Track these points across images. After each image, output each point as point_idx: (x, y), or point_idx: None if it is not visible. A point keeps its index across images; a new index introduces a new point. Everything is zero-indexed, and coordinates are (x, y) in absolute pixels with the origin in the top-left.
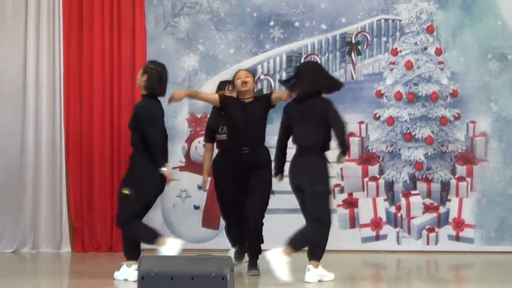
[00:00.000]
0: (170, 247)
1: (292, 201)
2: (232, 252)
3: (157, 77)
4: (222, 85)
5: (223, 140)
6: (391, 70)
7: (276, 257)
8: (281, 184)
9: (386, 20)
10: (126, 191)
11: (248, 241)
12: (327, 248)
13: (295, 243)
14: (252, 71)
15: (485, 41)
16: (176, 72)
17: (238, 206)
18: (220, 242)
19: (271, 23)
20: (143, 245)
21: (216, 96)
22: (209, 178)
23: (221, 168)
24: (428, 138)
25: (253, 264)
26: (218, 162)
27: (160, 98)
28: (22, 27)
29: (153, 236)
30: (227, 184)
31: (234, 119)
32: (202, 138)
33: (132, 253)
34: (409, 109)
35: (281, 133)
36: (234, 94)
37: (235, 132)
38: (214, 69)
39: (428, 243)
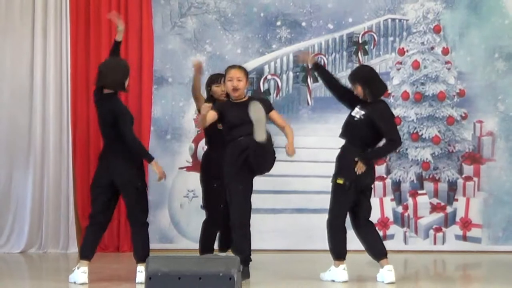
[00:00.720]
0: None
1: (298, 200)
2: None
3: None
4: (214, 78)
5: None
6: (398, 69)
7: (387, 275)
8: (288, 185)
9: (393, 20)
10: None
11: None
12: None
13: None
14: (259, 71)
15: (492, 41)
16: (183, 72)
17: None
18: None
19: (278, 23)
20: (151, 246)
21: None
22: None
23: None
24: (435, 138)
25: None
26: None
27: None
28: (29, 27)
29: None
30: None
31: (230, 121)
32: None
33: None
34: (416, 109)
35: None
36: (221, 88)
37: (232, 130)
38: (221, 69)
39: (435, 243)
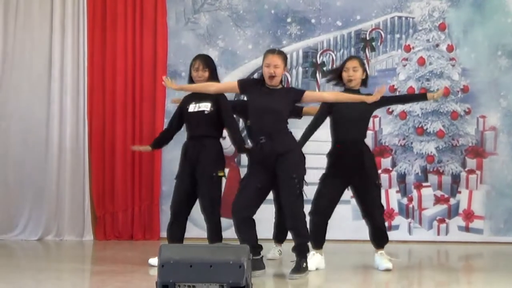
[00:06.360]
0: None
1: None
2: None
3: None
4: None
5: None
6: (404, 66)
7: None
8: None
9: (400, 17)
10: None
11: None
12: (341, 238)
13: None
14: None
15: (495, 38)
16: None
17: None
18: None
19: (288, 20)
20: (163, 234)
21: (234, 84)
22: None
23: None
24: (440, 132)
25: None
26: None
27: None
28: (48, 22)
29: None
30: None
31: (255, 104)
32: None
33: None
34: (421, 104)
35: None
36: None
37: (254, 119)
38: (233, 64)
39: (438, 234)
